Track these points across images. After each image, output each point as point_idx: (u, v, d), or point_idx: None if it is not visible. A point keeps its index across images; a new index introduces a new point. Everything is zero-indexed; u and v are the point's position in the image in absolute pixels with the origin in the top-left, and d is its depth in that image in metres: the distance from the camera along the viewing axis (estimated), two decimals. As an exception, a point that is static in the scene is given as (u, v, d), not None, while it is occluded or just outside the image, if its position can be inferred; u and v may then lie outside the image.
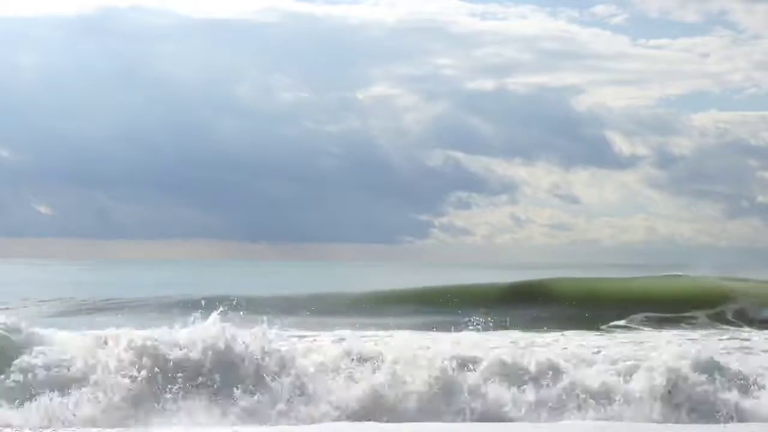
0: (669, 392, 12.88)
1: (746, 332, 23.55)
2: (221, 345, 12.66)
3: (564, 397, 12.73)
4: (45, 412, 11.71)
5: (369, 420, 12.12)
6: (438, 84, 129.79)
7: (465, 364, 13.11)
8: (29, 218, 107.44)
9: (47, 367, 12.40)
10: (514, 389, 12.77)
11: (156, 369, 12.29)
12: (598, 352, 16.17)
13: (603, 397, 12.84)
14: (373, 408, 12.34)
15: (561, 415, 12.45)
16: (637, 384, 13.07)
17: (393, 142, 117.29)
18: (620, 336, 22.14)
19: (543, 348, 16.54)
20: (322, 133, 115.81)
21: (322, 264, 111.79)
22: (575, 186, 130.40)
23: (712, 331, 24.11)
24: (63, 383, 12.19)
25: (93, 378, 12.23)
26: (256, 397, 12.16)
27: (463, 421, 12.28)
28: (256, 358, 12.68)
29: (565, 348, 17.37)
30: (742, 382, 13.41)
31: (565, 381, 12.98)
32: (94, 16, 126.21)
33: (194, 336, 12.75)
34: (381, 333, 17.91)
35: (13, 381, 12.21)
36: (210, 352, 12.58)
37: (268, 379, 12.46)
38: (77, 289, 37.27)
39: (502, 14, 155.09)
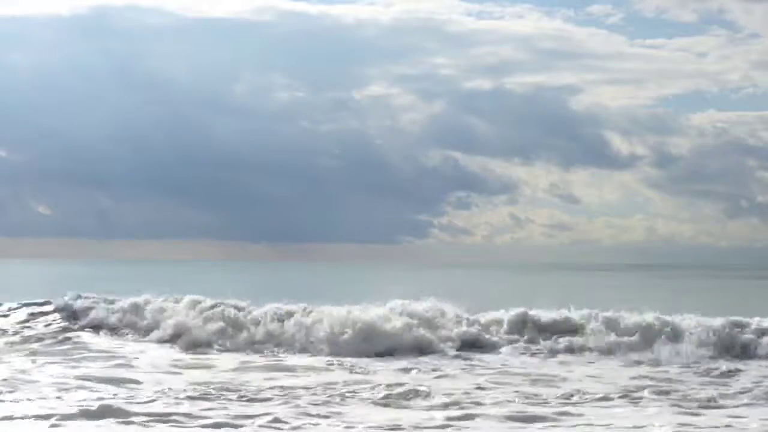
0: None
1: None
2: None
3: None
4: None
5: None
6: (435, 83, 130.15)
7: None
8: (28, 218, 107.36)
9: None
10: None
11: None
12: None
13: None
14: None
15: None
16: None
17: (391, 141, 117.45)
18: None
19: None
20: (319, 132, 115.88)
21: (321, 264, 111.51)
22: (574, 186, 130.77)
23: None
24: None
25: None
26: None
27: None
28: None
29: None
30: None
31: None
32: (90, 16, 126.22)
33: None
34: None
35: None
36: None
37: None
38: None
39: (499, 13, 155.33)
